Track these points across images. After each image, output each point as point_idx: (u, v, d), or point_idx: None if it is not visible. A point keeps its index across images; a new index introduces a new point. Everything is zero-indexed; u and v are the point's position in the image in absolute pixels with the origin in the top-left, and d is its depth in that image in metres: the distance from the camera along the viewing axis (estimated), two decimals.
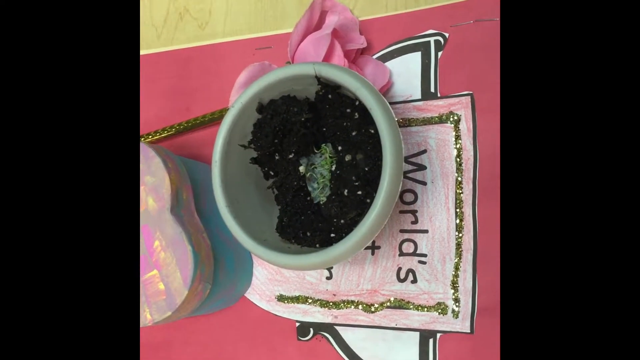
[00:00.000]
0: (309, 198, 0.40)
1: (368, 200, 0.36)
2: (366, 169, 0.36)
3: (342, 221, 0.37)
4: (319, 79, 0.37)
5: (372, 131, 0.37)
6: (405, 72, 0.45)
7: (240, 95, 0.39)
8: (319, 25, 0.45)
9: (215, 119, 0.49)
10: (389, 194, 0.34)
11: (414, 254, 0.44)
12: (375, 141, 0.36)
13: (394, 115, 0.35)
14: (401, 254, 0.44)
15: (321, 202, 0.40)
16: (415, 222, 0.44)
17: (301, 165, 0.40)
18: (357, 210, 0.36)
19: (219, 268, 0.43)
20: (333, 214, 0.37)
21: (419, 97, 0.44)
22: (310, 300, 0.46)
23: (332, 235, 0.38)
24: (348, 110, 0.37)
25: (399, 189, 0.35)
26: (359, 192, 0.36)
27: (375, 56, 0.46)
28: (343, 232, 0.37)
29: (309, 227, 0.39)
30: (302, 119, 0.38)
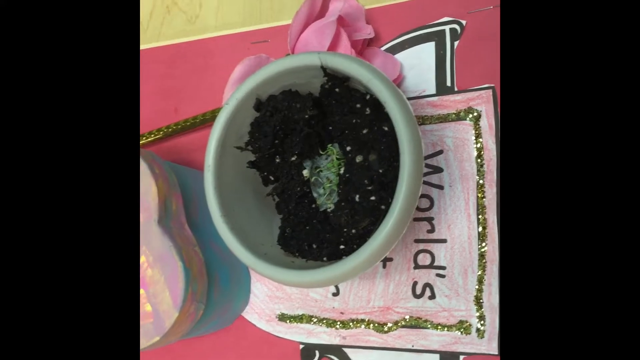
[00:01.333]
0: (314, 205, 0.38)
1: (383, 207, 0.33)
2: (380, 171, 0.34)
3: (352, 231, 0.34)
4: (324, 70, 0.34)
5: (386, 128, 0.34)
6: (418, 65, 0.42)
7: (236, 91, 0.36)
8: (321, 14, 0.42)
9: (206, 120, 0.47)
10: (407, 199, 0.31)
11: (431, 266, 0.40)
12: (390, 140, 0.34)
13: (412, 110, 0.32)
14: (416, 266, 0.40)
15: (328, 210, 0.37)
16: (432, 230, 0.40)
17: (305, 168, 0.38)
18: (370, 219, 0.33)
19: (213, 285, 0.40)
20: (342, 223, 0.34)
21: (434, 92, 0.41)
22: (315, 320, 0.43)
23: (342, 247, 0.35)
24: (358, 105, 0.35)
25: (419, 193, 0.32)
26: (373, 198, 0.33)
27: (383, 48, 0.43)
28: (354, 243, 0.34)
29: (314, 238, 0.36)
30: (306, 117, 0.35)
